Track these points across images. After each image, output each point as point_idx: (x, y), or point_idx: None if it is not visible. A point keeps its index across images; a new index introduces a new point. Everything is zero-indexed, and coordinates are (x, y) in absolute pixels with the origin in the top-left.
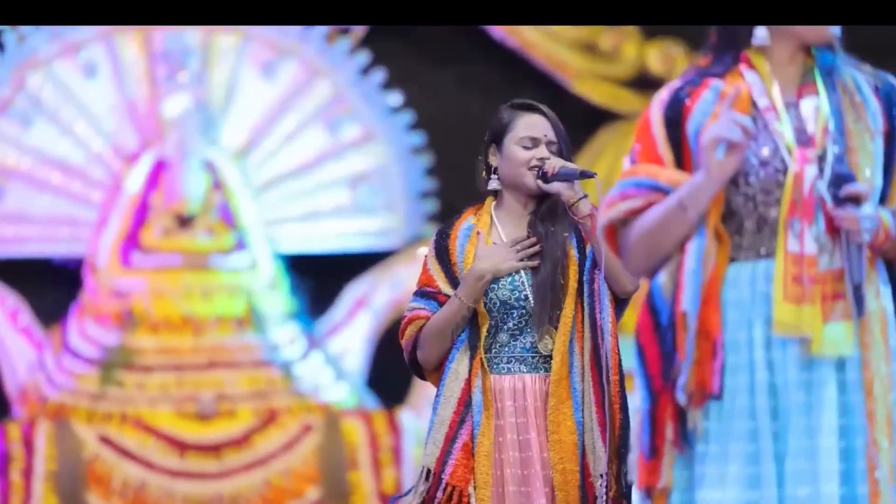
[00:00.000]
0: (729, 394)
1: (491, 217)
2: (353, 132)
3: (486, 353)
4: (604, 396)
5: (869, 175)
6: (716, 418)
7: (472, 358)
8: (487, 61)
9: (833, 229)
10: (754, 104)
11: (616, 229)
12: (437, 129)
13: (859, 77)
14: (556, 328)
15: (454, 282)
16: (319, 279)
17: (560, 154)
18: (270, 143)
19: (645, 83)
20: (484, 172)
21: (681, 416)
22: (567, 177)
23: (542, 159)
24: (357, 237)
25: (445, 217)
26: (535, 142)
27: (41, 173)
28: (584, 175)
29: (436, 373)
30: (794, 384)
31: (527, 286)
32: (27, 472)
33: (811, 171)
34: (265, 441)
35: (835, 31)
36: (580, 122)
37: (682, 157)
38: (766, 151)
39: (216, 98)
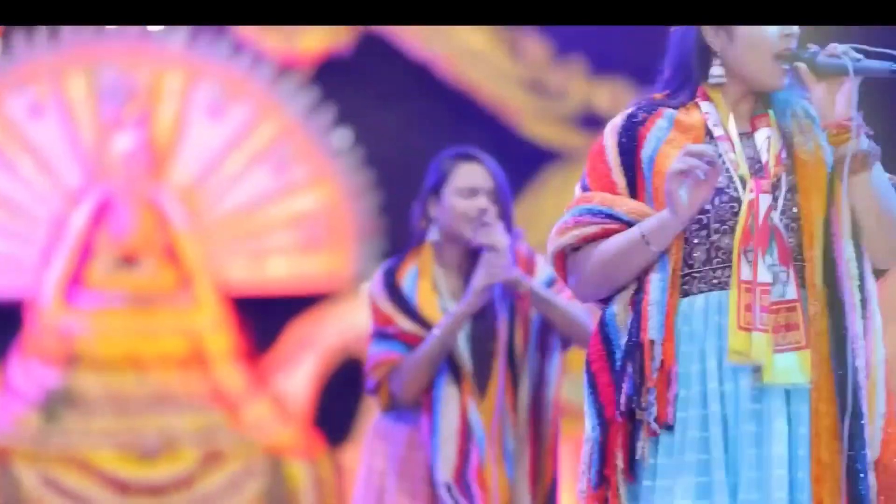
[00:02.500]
0: (680, 427)
1: (432, 267)
2: (300, 171)
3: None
4: (539, 452)
5: (817, 209)
6: (665, 453)
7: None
8: (435, 100)
9: (785, 259)
10: (709, 134)
11: (566, 255)
12: (385, 169)
13: (811, 108)
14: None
15: (414, 316)
16: (265, 319)
17: (499, 204)
18: (217, 182)
19: (592, 122)
20: (422, 221)
21: (631, 445)
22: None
23: (482, 210)
24: (303, 277)
25: (392, 256)
26: (474, 192)
27: None
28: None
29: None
30: (745, 415)
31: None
32: None
33: (765, 200)
34: (209, 483)
35: (783, 81)
36: (526, 162)
37: (636, 184)
38: (720, 180)
39: (163, 136)
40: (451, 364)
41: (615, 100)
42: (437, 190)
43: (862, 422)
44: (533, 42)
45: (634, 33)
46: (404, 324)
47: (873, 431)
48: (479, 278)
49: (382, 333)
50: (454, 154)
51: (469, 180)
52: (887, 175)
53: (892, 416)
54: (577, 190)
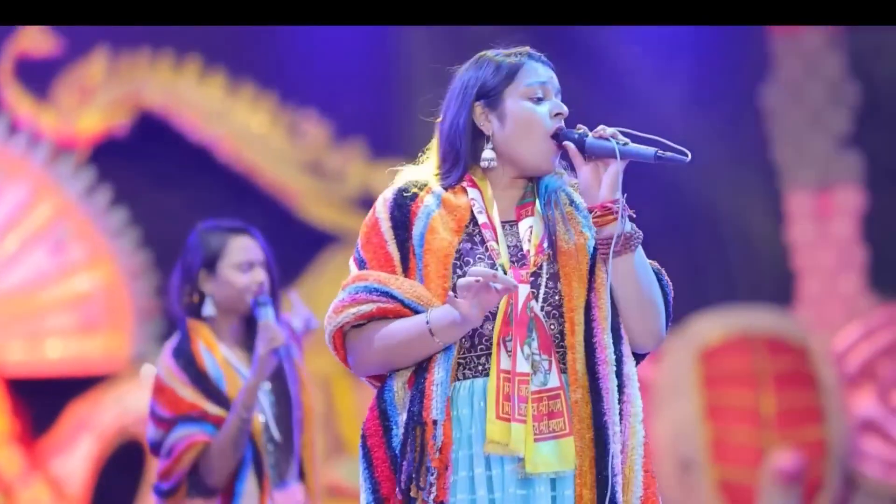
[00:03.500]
0: None
1: (216, 344)
2: (77, 252)
3: None
4: None
5: (579, 296)
6: None
7: None
8: (214, 182)
9: (546, 348)
10: (474, 219)
11: (345, 334)
12: (163, 249)
13: (575, 195)
14: None
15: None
16: (42, 400)
17: (269, 273)
18: None
19: (370, 204)
20: (194, 296)
21: None
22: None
23: (261, 283)
24: (81, 358)
25: (170, 336)
26: (251, 265)
27: None
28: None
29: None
30: (512, 500)
31: None
32: None
33: (524, 289)
34: None
35: (553, 163)
36: (305, 244)
37: (408, 258)
38: (482, 266)
39: None
40: (255, 454)
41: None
42: (210, 264)
43: None
44: (312, 124)
45: (412, 115)
46: (210, 408)
47: None
48: (261, 347)
49: (188, 418)
50: (224, 227)
51: (245, 254)
52: (649, 261)
53: (648, 497)
54: (352, 265)
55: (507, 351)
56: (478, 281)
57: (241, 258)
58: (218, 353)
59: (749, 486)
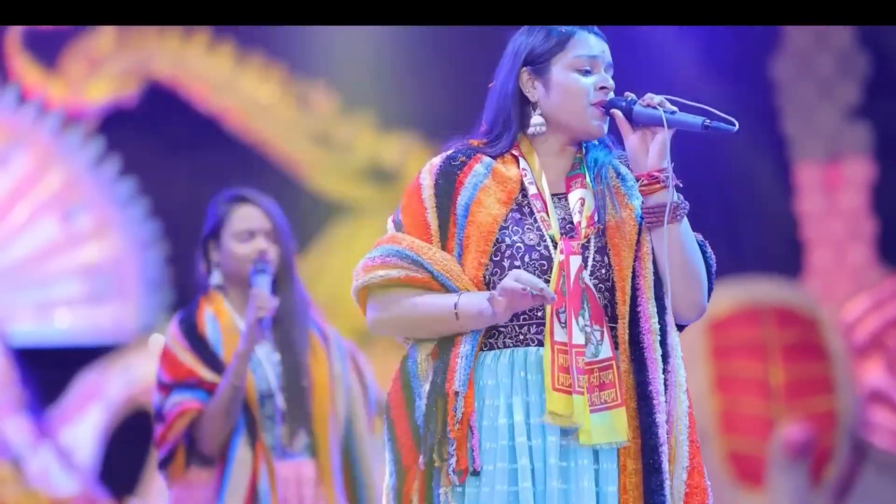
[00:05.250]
0: (488, 480)
1: (226, 311)
2: (86, 222)
3: None
4: None
5: (627, 267)
6: None
7: None
8: (223, 152)
9: (598, 319)
10: (524, 191)
11: (369, 290)
12: (172, 220)
13: (621, 167)
14: None
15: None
16: (51, 371)
17: (278, 244)
18: (1, 233)
19: (379, 175)
20: (204, 265)
21: (427, 492)
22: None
23: (262, 252)
24: (90, 328)
25: (180, 307)
26: (252, 234)
27: None
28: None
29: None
30: (553, 472)
31: None
32: None
33: (575, 261)
34: None
35: (601, 129)
36: (314, 215)
37: (448, 228)
38: (532, 237)
39: None
40: (248, 421)
41: (403, 153)
42: (216, 234)
43: (662, 477)
44: (321, 95)
45: (424, 86)
46: (206, 374)
47: (677, 485)
48: (249, 314)
49: (184, 384)
50: (229, 197)
51: (246, 223)
52: (693, 233)
53: (694, 468)
54: (390, 224)
55: (561, 322)
56: (524, 289)
57: (242, 227)
58: (225, 321)
59: (758, 456)
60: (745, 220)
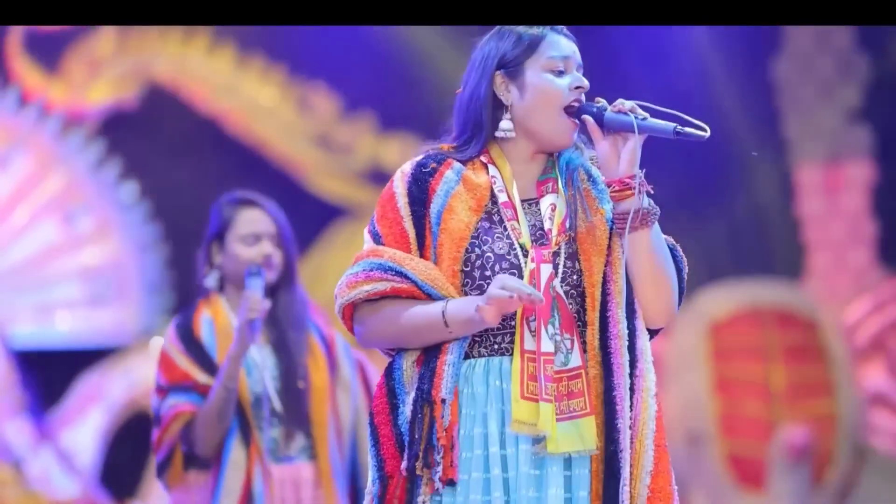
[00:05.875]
0: (463, 489)
1: (225, 314)
2: (87, 224)
3: None
4: None
5: (598, 273)
6: None
7: None
8: (223, 154)
9: (568, 327)
10: (493, 198)
11: (355, 306)
12: (173, 222)
13: (593, 169)
14: None
15: (210, 367)
16: (51, 373)
17: (282, 248)
18: (2, 235)
19: (379, 177)
20: (206, 267)
21: (408, 499)
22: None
23: (267, 256)
24: (90, 330)
25: (181, 310)
26: (258, 238)
27: None
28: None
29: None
30: (525, 480)
31: None
32: None
33: (546, 269)
34: None
35: (571, 137)
36: (314, 217)
37: (424, 235)
38: (501, 246)
39: None
40: (242, 423)
41: (403, 155)
42: (220, 237)
43: (619, 483)
44: (322, 97)
45: (424, 89)
46: (200, 376)
47: (639, 489)
48: (240, 317)
49: (179, 387)
50: (235, 199)
51: (252, 227)
52: (664, 236)
53: (659, 472)
54: (367, 236)
55: (531, 331)
56: (511, 296)
57: (247, 230)
58: (221, 323)
59: (758, 459)
60: (746, 223)
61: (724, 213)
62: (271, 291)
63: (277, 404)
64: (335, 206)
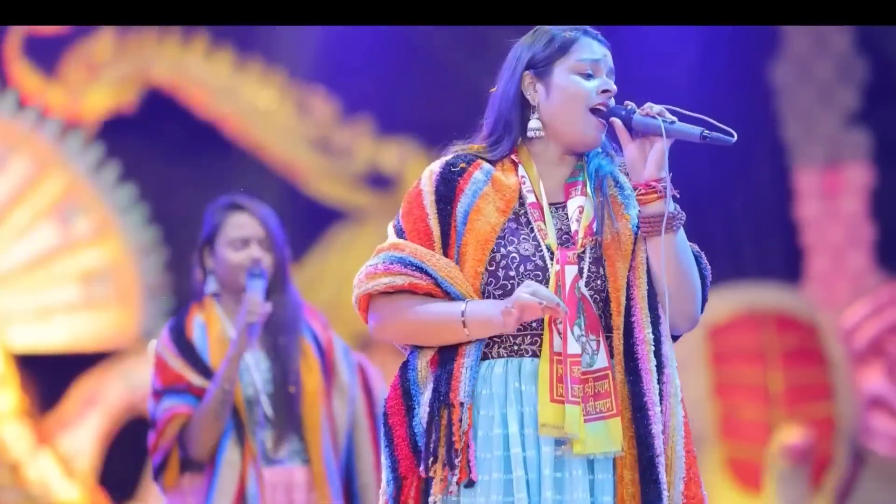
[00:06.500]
0: (483, 490)
1: (218, 318)
2: (85, 227)
3: None
4: None
5: (622, 278)
6: None
7: None
8: (222, 158)
9: (594, 329)
10: (521, 199)
11: (371, 297)
12: (171, 226)
13: (620, 176)
14: None
15: (203, 369)
16: (49, 376)
17: (272, 251)
18: (1, 238)
19: (378, 181)
20: (199, 272)
21: (423, 501)
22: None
23: (255, 260)
24: (88, 334)
25: (177, 312)
26: (246, 242)
27: None
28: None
29: None
30: (548, 483)
31: None
32: None
33: (571, 271)
34: None
35: (598, 138)
36: (313, 220)
37: (449, 234)
38: (528, 247)
39: None
40: (237, 426)
41: (402, 159)
42: (210, 242)
43: (660, 489)
44: (320, 101)
45: (423, 92)
46: (194, 379)
47: (674, 495)
48: (239, 319)
49: (173, 390)
50: (224, 204)
51: (240, 231)
52: (689, 243)
53: (691, 478)
54: (390, 231)
55: (558, 333)
56: (541, 303)
57: (236, 235)
58: (214, 328)
59: (757, 463)
60: (745, 226)
61: (723, 216)
62: (264, 295)
63: (268, 408)
64: (334, 209)
